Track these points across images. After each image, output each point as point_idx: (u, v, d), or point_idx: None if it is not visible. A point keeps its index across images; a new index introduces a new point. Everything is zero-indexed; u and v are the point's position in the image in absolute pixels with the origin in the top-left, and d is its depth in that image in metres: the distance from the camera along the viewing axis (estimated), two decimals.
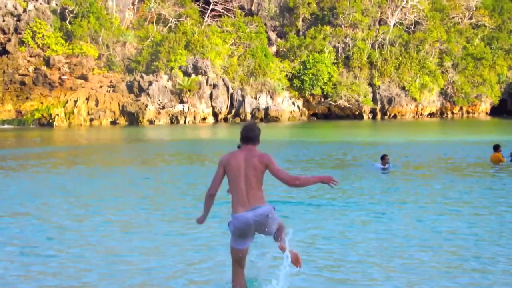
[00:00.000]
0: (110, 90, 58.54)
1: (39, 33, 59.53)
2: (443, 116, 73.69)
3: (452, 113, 74.38)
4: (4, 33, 59.91)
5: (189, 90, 59.10)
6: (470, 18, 76.02)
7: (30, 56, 59.83)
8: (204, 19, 65.88)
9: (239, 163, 6.56)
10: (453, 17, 75.43)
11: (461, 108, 74.55)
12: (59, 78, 58.59)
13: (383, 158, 19.12)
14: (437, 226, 10.69)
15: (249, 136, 6.66)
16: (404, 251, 8.92)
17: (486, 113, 75.70)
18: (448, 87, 73.32)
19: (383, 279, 7.61)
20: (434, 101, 72.85)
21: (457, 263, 8.31)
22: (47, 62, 59.50)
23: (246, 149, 6.63)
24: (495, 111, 75.04)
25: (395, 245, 9.30)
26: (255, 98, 63.23)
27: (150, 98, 58.22)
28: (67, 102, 56.67)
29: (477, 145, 29.07)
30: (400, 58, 70.13)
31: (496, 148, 20.39)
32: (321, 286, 7.43)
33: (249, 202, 6.43)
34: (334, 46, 68.82)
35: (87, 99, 57.02)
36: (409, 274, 7.77)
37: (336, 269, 8.14)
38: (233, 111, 62.72)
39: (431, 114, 73.07)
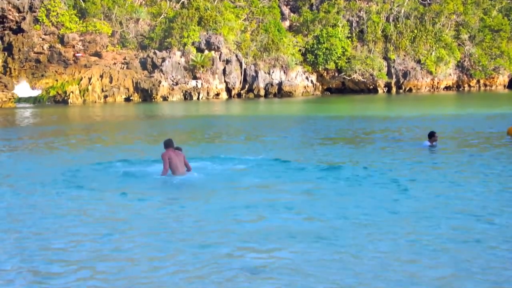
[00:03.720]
0: (123, 67, 58.91)
1: (53, 11, 59.96)
2: (460, 89, 72.92)
3: (469, 86, 73.53)
4: (19, 11, 60.33)
5: (202, 66, 59.22)
6: None
7: (45, 34, 60.34)
8: None
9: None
10: None
11: (478, 81, 73.62)
12: (74, 55, 59.09)
13: (432, 135, 18.37)
14: None
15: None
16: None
17: (504, 86, 74.73)
18: (464, 60, 72.44)
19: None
20: (450, 74, 72.07)
21: None
22: (62, 40, 59.99)
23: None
24: None
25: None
26: (269, 73, 63.16)
27: (164, 74, 58.47)
28: (81, 79, 57.11)
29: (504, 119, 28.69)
30: (416, 31, 69.33)
31: None
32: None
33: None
34: (348, 20, 68.25)
35: (101, 76, 57.40)
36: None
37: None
38: (247, 86, 62.75)
39: (447, 88, 72.33)
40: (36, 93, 56.08)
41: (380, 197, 11.26)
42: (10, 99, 51.94)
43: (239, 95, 62.40)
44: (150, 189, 12.73)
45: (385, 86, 68.60)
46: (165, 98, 57.65)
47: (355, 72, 66.75)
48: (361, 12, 68.53)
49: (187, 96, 59.04)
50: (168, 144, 13.39)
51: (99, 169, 15.12)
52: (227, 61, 61.19)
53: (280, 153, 17.67)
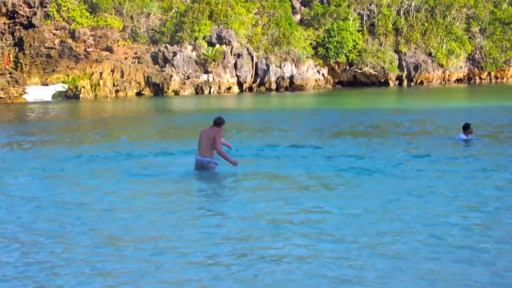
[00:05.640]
0: (135, 62, 58.84)
1: (64, 6, 59.91)
2: (471, 82, 72.69)
3: (480, 78, 73.31)
4: (30, 6, 60.32)
5: (214, 60, 59.12)
6: None
7: (56, 29, 60.29)
8: None
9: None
10: None
11: (489, 74, 73.43)
12: (85, 50, 59.03)
13: (467, 128, 16.90)
14: None
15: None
16: None
17: None
18: (475, 53, 72.20)
19: None
20: (461, 67, 71.84)
21: None
22: (73, 35, 59.93)
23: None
24: None
25: None
26: (280, 67, 63.02)
27: (175, 68, 58.40)
28: (92, 74, 57.09)
29: None
30: (426, 24, 69.11)
31: None
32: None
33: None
34: (358, 14, 68.06)
35: (112, 71, 57.37)
36: None
37: None
38: (258, 80, 62.64)
39: (458, 80, 72.13)
40: (47, 88, 56.05)
41: (413, 192, 10.70)
42: (21, 94, 51.93)
43: (250, 89, 62.27)
44: (170, 183, 12.35)
45: (396, 79, 68.42)
46: (176, 92, 57.58)
47: (366, 65, 66.56)
48: (372, 6, 68.32)
49: (198, 90, 58.94)
50: (214, 121, 13.07)
51: (113, 164, 14.71)
52: (238, 55, 61.08)
53: (297, 146, 17.22)
